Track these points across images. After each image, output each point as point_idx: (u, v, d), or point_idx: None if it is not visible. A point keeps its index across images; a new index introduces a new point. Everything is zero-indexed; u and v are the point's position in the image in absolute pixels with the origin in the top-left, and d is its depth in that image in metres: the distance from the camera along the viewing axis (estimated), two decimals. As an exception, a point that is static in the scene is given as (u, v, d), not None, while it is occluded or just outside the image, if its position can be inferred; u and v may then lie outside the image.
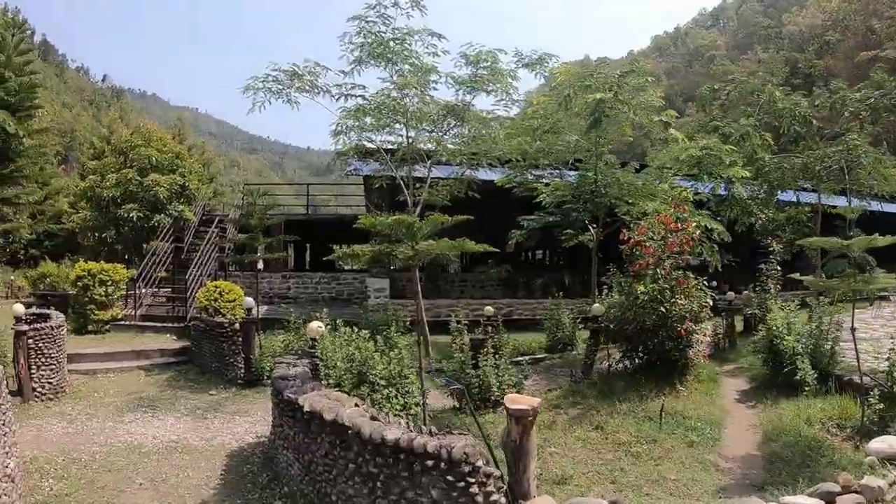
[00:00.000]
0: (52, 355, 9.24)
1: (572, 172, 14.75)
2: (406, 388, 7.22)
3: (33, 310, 11.31)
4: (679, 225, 10.20)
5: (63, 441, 7.55)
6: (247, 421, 8.52)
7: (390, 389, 6.96)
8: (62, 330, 9.76)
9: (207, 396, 9.75)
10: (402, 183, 13.35)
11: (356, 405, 4.98)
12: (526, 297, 18.81)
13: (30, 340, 8.95)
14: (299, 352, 7.61)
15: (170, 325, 14.73)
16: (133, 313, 15.15)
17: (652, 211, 11.65)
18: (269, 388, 10.21)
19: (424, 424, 4.98)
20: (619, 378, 10.02)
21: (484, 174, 14.50)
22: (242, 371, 10.19)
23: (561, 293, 18.62)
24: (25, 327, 8.94)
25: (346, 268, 32.37)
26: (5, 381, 6.17)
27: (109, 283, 14.90)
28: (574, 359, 13.12)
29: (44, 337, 9.14)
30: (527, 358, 13.51)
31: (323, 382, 6.54)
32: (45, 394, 9.10)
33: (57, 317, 10.18)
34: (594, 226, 14.32)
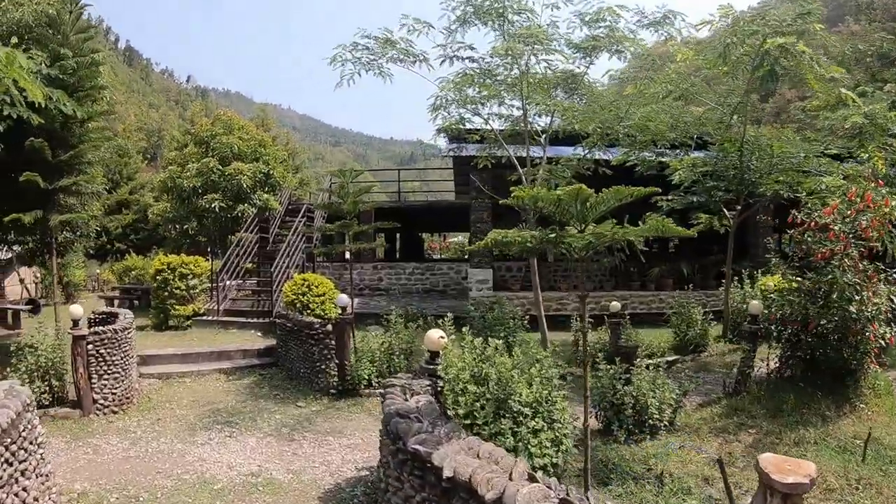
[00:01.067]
0: (117, 362, 7.82)
1: (697, 152, 12.36)
2: (553, 416, 5.24)
3: (104, 308, 10.09)
4: (875, 204, 7.81)
5: (122, 469, 6.04)
6: (343, 444, 6.78)
7: (537, 420, 5.01)
8: (130, 332, 8.34)
9: (294, 409, 8.11)
10: (515, 162, 11.35)
11: (529, 476, 3.02)
12: (640, 289, 16.48)
13: (90, 346, 7.55)
14: (416, 370, 5.70)
15: (254, 319, 13.50)
16: (216, 308, 13.93)
17: (826, 188, 9.22)
18: (367, 400, 8.57)
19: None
20: (779, 390, 8.05)
21: (601, 153, 12.25)
22: (335, 379, 8.51)
23: (690, 285, 16.34)
24: (84, 331, 7.54)
25: (434, 257, 30.87)
26: (33, 403, 4.61)
27: (190, 276, 13.72)
28: (706, 362, 11.28)
29: (106, 342, 7.72)
30: (656, 361, 11.41)
31: (449, 411, 4.69)
32: (107, 406, 7.69)
33: (125, 317, 8.82)
34: (733, 208, 11.92)
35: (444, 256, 28.20)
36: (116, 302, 18.31)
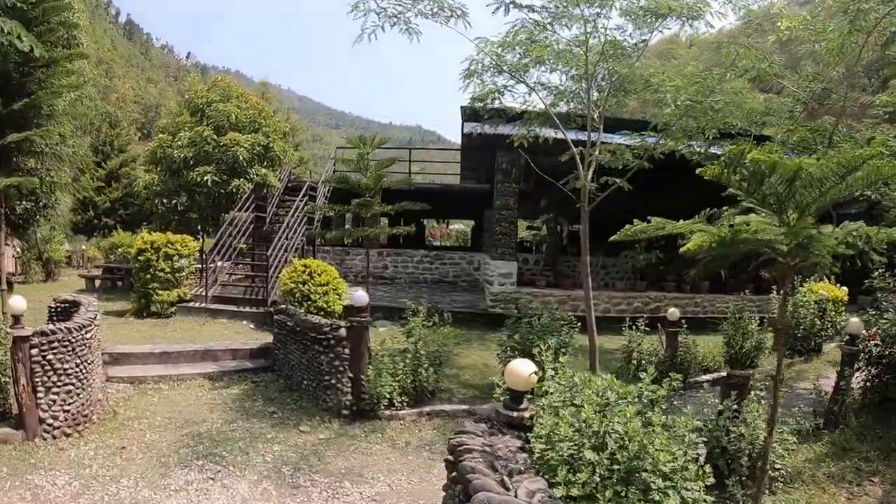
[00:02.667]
0: (71, 371, 6.07)
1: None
2: (685, 485, 3.56)
3: (80, 290, 8.37)
4: None
5: (62, 530, 4.37)
6: (365, 496, 5.10)
7: (674, 496, 3.33)
8: (90, 331, 6.57)
9: (297, 436, 6.39)
10: (569, 140, 9.57)
11: None
12: (675, 291, 14.85)
13: (34, 351, 5.79)
14: (487, 414, 3.90)
15: (247, 308, 11.86)
16: (204, 294, 12.22)
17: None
18: (388, 426, 6.63)
19: None
20: (881, 422, 6.98)
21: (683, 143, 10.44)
22: (349, 397, 6.80)
23: (750, 291, 14.79)
24: (27, 331, 5.77)
25: (434, 244, 29.12)
26: None
27: (177, 257, 11.99)
28: (765, 378, 9.67)
29: (57, 345, 5.96)
30: (710, 377, 9.87)
31: (557, 490, 3.00)
32: (58, 427, 5.96)
33: (86, 310, 7.09)
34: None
35: (445, 244, 26.59)
36: (98, 282, 16.64)
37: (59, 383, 5.96)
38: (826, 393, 7.54)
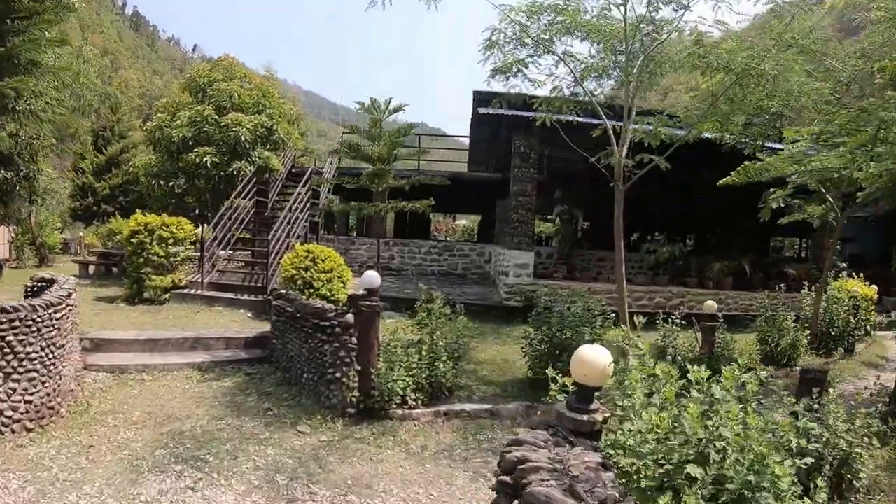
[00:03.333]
0: (34, 355, 5.22)
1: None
2: None
3: (45, 274, 7.53)
4: None
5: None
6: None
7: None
8: (61, 310, 5.71)
9: (294, 437, 5.51)
10: (602, 115, 8.68)
11: None
12: (698, 287, 13.96)
13: (-11, 330, 4.95)
14: (552, 425, 2.99)
15: (246, 297, 11.00)
16: (200, 280, 11.39)
17: None
18: (401, 427, 5.66)
19: None
20: None
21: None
22: (355, 393, 5.90)
23: (778, 288, 13.94)
24: (-21, 306, 4.93)
25: (440, 239, 28.29)
26: None
27: (171, 241, 11.14)
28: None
29: (18, 325, 5.11)
30: (753, 377, 8.94)
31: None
32: (18, 420, 5.11)
33: (60, 287, 6.25)
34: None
35: (454, 240, 25.81)
36: (92, 268, 15.85)
37: (19, 369, 5.11)
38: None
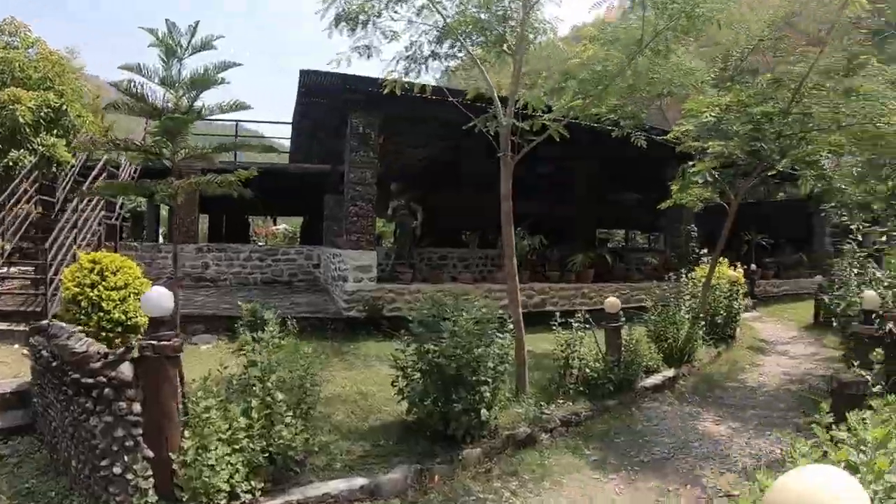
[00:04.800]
0: None
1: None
2: None
3: None
4: None
5: None
6: None
7: None
8: None
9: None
10: (489, 81, 6.92)
11: None
12: (560, 281, 12.89)
13: None
14: None
15: (22, 327, 8.00)
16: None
17: None
18: None
19: None
20: None
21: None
22: (151, 498, 3.59)
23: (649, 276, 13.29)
24: None
25: (259, 244, 25.52)
26: None
27: None
28: (709, 375, 8.89)
29: None
30: (657, 380, 8.01)
31: None
32: None
33: None
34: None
35: (275, 245, 23.47)
36: None
37: None
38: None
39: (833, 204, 9.13)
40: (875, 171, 7.86)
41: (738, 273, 11.71)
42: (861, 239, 12.84)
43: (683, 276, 10.63)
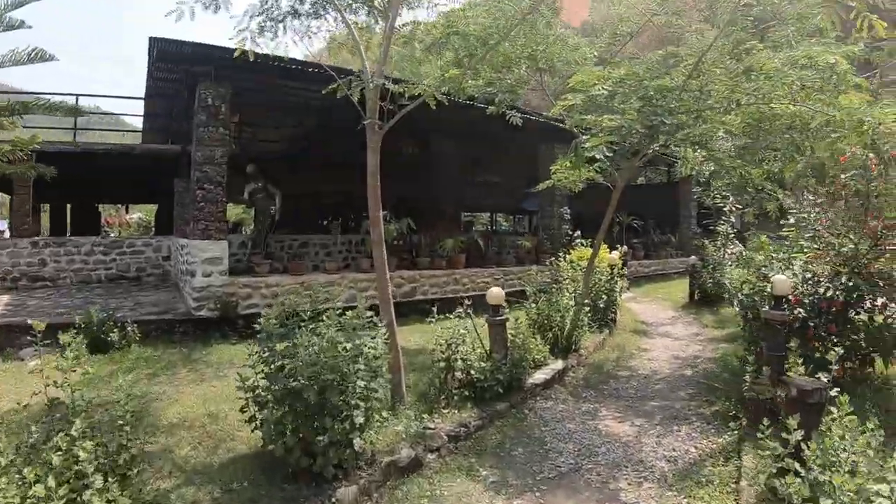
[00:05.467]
0: None
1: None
2: None
3: None
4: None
5: None
6: None
7: None
8: None
9: None
10: (357, 37, 5.92)
11: None
12: (431, 268, 12.19)
13: None
14: None
15: None
16: None
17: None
18: None
19: None
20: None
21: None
22: None
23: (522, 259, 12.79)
24: None
25: (112, 235, 23.03)
26: None
27: None
28: (600, 364, 8.40)
29: None
30: (544, 377, 7.23)
31: None
32: None
33: None
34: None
35: (126, 236, 21.21)
36: None
37: None
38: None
39: (720, 184, 8.87)
40: (752, 155, 7.64)
41: (617, 255, 11.51)
42: (734, 220, 13.22)
43: (562, 259, 10.34)
